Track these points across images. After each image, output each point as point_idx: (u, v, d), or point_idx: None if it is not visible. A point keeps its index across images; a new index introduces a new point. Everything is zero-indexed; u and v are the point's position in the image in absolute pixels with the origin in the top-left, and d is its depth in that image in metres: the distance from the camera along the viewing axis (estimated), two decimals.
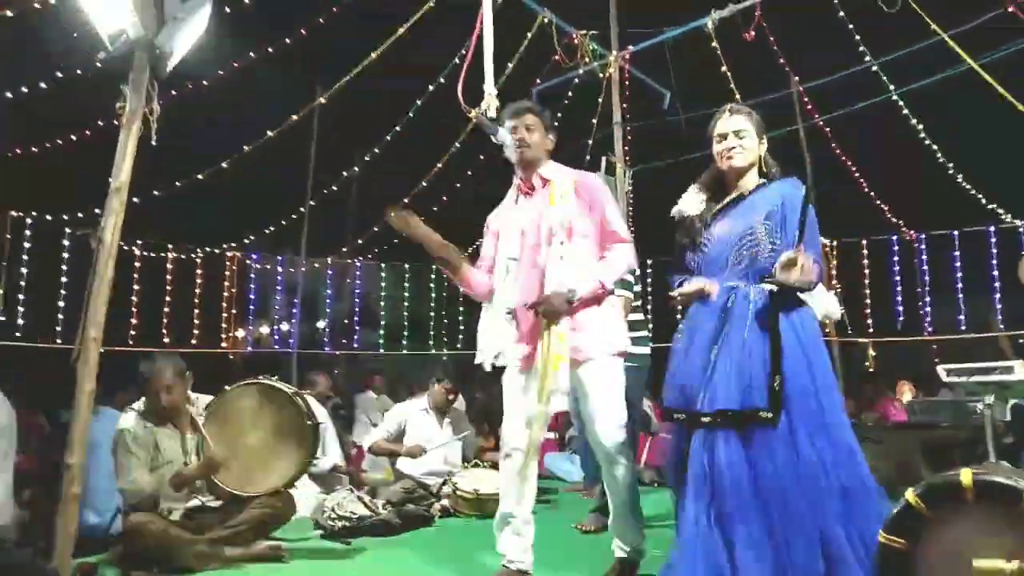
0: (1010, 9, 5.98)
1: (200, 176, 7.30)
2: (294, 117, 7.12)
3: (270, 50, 7.05)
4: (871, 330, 10.89)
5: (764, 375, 2.61)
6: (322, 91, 8.32)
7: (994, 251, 9.95)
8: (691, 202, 3.01)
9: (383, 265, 12.37)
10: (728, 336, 2.71)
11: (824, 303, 4.61)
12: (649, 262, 10.52)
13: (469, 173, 8.96)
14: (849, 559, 2.36)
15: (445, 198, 9.35)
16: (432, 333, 12.55)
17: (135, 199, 4.30)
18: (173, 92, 5.78)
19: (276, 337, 12.67)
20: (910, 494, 2.01)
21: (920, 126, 7.62)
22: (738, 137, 2.89)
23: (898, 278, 10.76)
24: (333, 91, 8.03)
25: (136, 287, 9.44)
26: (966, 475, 1.92)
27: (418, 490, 5.19)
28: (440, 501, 5.20)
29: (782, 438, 2.56)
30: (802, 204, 2.77)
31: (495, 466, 5.43)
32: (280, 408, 3.99)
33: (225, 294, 10.55)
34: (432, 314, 12.36)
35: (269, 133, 7.10)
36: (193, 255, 9.80)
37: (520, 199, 3.41)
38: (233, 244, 10.15)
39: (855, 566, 2.35)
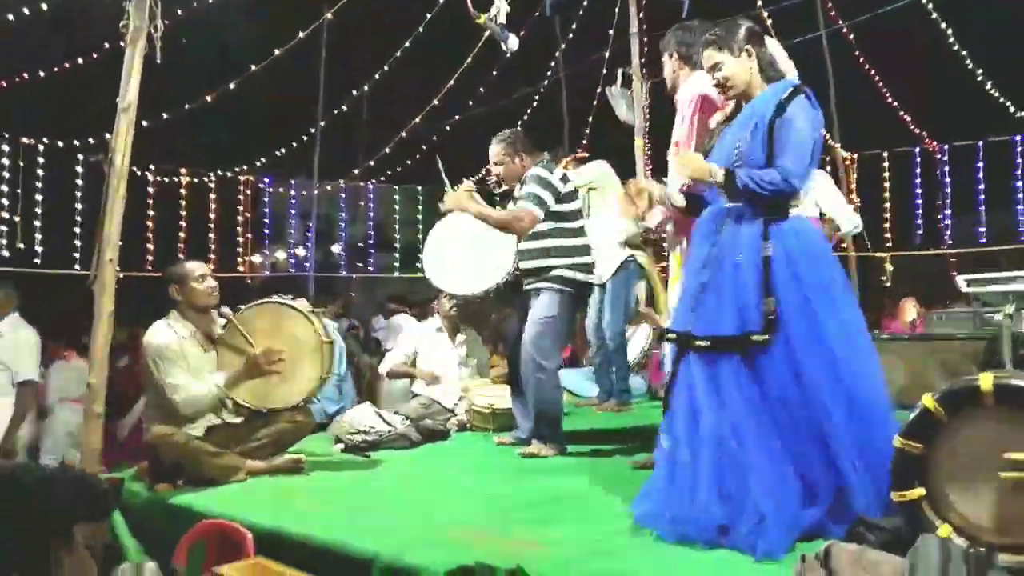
0: None
1: (208, 98, 7.17)
2: (301, 35, 6.91)
3: None
4: (889, 244, 10.77)
5: (757, 297, 2.59)
6: (328, 6, 8.11)
7: (1019, 161, 9.73)
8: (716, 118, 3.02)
9: (396, 188, 12.31)
10: (720, 259, 2.70)
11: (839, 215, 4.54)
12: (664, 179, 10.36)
13: (482, 90, 8.76)
14: (851, 476, 2.40)
15: (458, 116, 9.18)
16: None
17: (144, 122, 4.23)
18: (179, 11, 5.63)
19: (293, 261, 12.71)
20: (927, 399, 2.00)
21: (948, 29, 7.32)
22: (717, 71, 2.82)
23: (919, 191, 10.58)
24: (339, 5, 7.81)
25: (151, 212, 9.45)
26: (986, 379, 1.90)
27: (435, 405, 5.28)
28: (456, 416, 5.29)
29: (780, 359, 2.55)
30: (773, 110, 2.66)
31: (508, 382, 5.53)
32: (295, 326, 4.02)
33: (240, 218, 10.55)
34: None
35: (276, 52, 6.91)
36: (206, 179, 9.75)
37: None
38: (245, 167, 10.07)
39: (857, 483, 2.39)
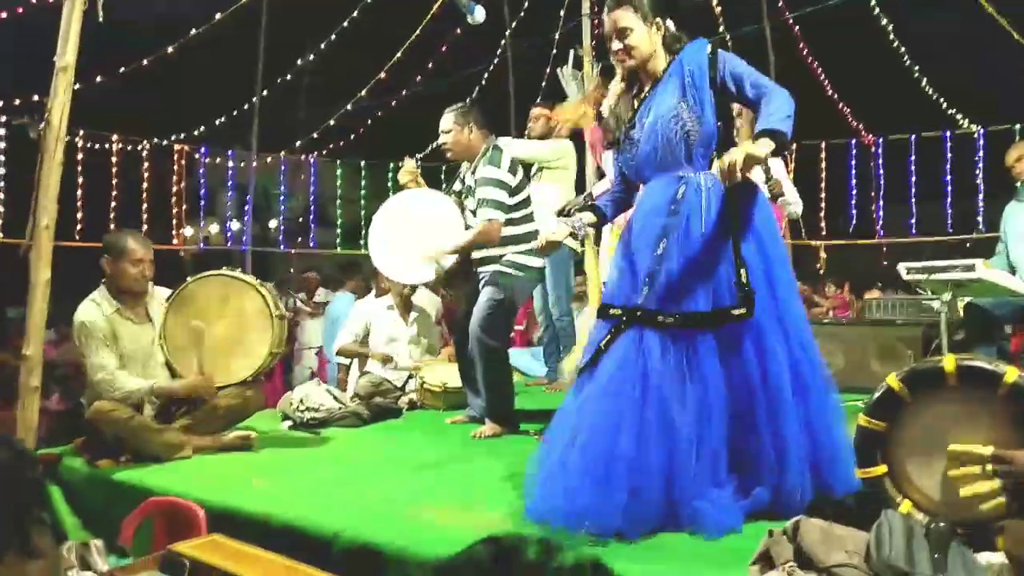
0: None
1: (145, 61, 6.86)
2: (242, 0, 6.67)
3: None
4: (824, 232, 11.09)
5: (730, 269, 2.48)
6: None
7: (949, 156, 10.13)
8: (611, 98, 2.76)
9: (338, 162, 12.05)
10: (686, 228, 2.54)
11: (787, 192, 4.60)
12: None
13: (430, 66, 8.63)
14: (796, 455, 2.41)
15: (405, 92, 9.02)
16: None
17: (77, 85, 4.02)
18: None
19: (229, 234, 12.35)
20: (892, 379, 2.05)
21: (889, 26, 7.54)
22: (623, 37, 2.63)
23: (854, 182, 10.92)
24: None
25: (80, 180, 9.02)
26: (949, 360, 1.96)
27: (384, 383, 5.21)
28: (406, 395, 5.24)
29: (748, 336, 2.47)
30: (707, 63, 2.56)
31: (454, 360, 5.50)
32: (245, 299, 3.91)
33: (174, 189, 10.18)
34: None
35: (219, 16, 6.65)
36: (139, 147, 9.35)
37: None
38: (182, 136, 9.69)
39: (803, 462, 2.41)
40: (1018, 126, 9.40)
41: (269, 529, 2.70)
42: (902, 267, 4.58)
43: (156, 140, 9.39)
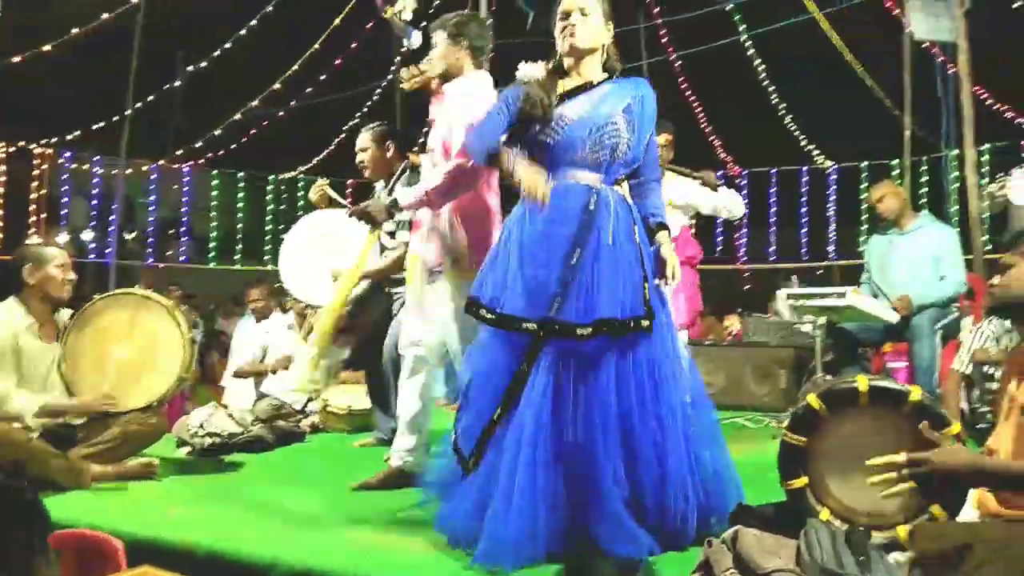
0: None
1: (16, 58, 6.40)
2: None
3: None
4: None
5: (638, 281, 2.51)
6: None
7: (804, 189, 11.08)
8: (537, 70, 2.68)
9: (214, 172, 11.59)
10: (597, 240, 2.52)
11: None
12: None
13: (323, 78, 8.52)
14: (683, 472, 2.47)
15: (294, 103, 8.85)
16: (268, 248, 11.99)
17: None
18: None
19: (93, 246, 11.55)
20: (811, 397, 2.28)
21: (762, 66, 8.17)
22: (583, 14, 2.60)
23: None
24: None
25: None
26: (862, 381, 2.21)
27: (285, 407, 5.09)
28: (307, 418, 5.13)
29: (644, 348, 2.50)
30: (655, 108, 2.71)
31: (358, 382, 5.44)
32: (155, 321, 3.74)
33: (33, 195, 9.45)
34: (269, 227, 11.78)
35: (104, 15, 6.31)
36: None
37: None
38: (44, 141, 9.04)
39: (686, 477, 2.47)
40: (865, 163, 10.44)
41: (195, 559, 2.61)
42: (781, 293, 5.00)
43: (22, 143, 8.69)
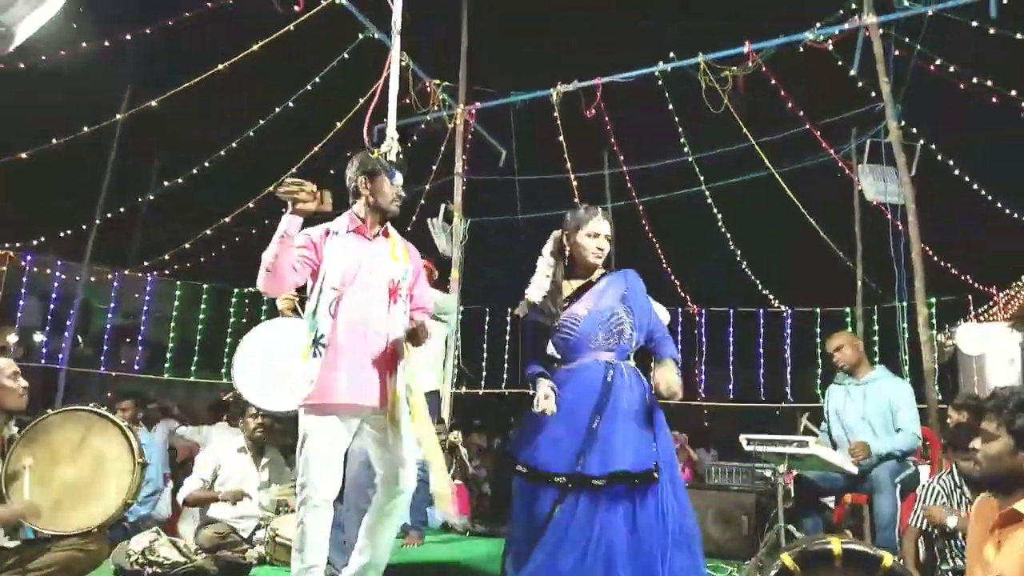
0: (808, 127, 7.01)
1: None
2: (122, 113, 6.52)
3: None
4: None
5: (649, 438, 2.98)
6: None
7: (761, 330, 11.40)
8: (542, 287, 3.29)
9: (178, 283, 11.52)
10: (614, 406, 3.01)
11: None
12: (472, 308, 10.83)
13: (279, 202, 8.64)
14: None
15: (267, 222, 8.92)
16: (226, 360, 11.78)
17: None
18: None
19: (44, 350, 11.22)
20: (786, 557, 2.27)
21: (720, 216, 8.58)
22: (608, 240, 3.30)
23: (680, 346, 11.89)
24: (135, 111, 7.57)
25: None
26: (836, 543, 2.21)
27: (231, 535, 4.85)
28: (254, 547, 4.88)
29: (658, 494, 2.89)
30: (644, 290, 3.30)
31: None
32: (106, 441, 3.60)
33: None
34: (229, 340, 11.61)
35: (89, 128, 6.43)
36: None
37: (353, 236, 3.32)
38: (7, 245, 8.96)
39: None
40: (818, 309, 10.82)
41: None
42: (743, 438, 4.99)
43: None
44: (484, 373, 11.64)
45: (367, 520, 3.33)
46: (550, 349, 3.32)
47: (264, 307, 10.98)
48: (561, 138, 7.94)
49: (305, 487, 3.11)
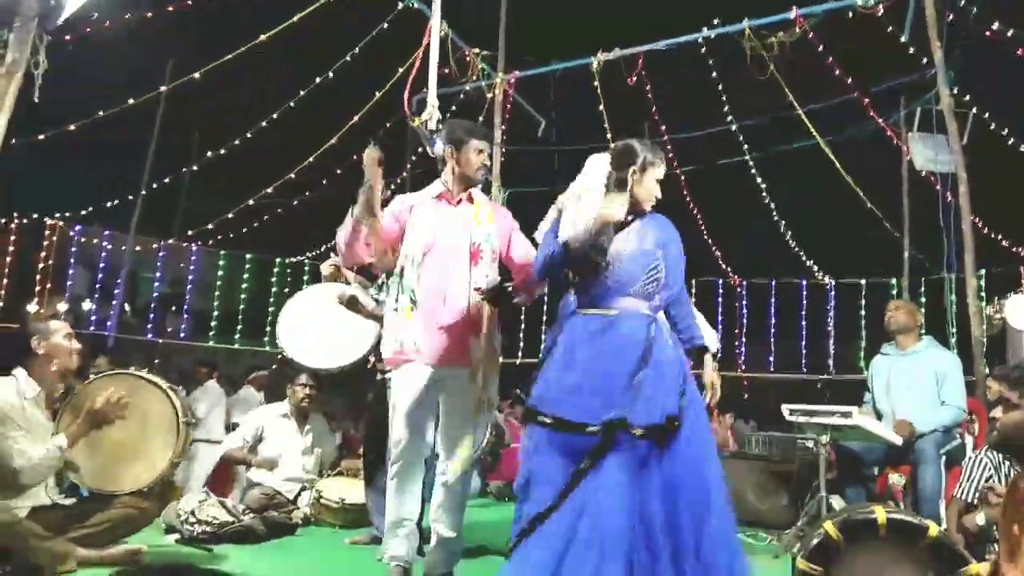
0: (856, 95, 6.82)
1: (42, 136, 6.59)
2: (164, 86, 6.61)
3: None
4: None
5: (677, 392, 2.81)
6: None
7: (804, 302, 11.22)
8: (587, 224, 2.95)
9: (222, 252, 11.72)
10: (654, 362, 2.85)
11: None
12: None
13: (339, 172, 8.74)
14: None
15: (309, 193, 9.04)
16: (269, 329, 11.99)
17: None
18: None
19: (94, 318, 11.52)
20: (829, 525, 2.25)
21: (764, 185, 8.43)
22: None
23: (720, 318, 11.80)
24: (178, 84, 7.65)
25: None
26: (881, 512, 2.19)
27: (278, 496, 4.98)
28: (300, 509, 5.01)
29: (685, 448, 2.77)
30: (680, 245, 3.10)
31: (355, 474, 5.33)
32: (150, 402, 3.70)
33: (41, 266, 9.53)
34: (272, 308, 11.78)
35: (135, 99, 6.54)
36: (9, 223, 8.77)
37: (441, 206, 3.43)
38: (57, 215, 9.19)
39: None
40: (863, 280, 10.61)
41: None
42: (785, 408, 4.95)
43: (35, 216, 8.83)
44: (521, 344, 11.66)
45: (435, 494, 3.37)
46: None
47: (307, 276, 11.14)
48: (601, 107, 7.86)
49: (398, 444, 3.25)
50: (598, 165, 3.03)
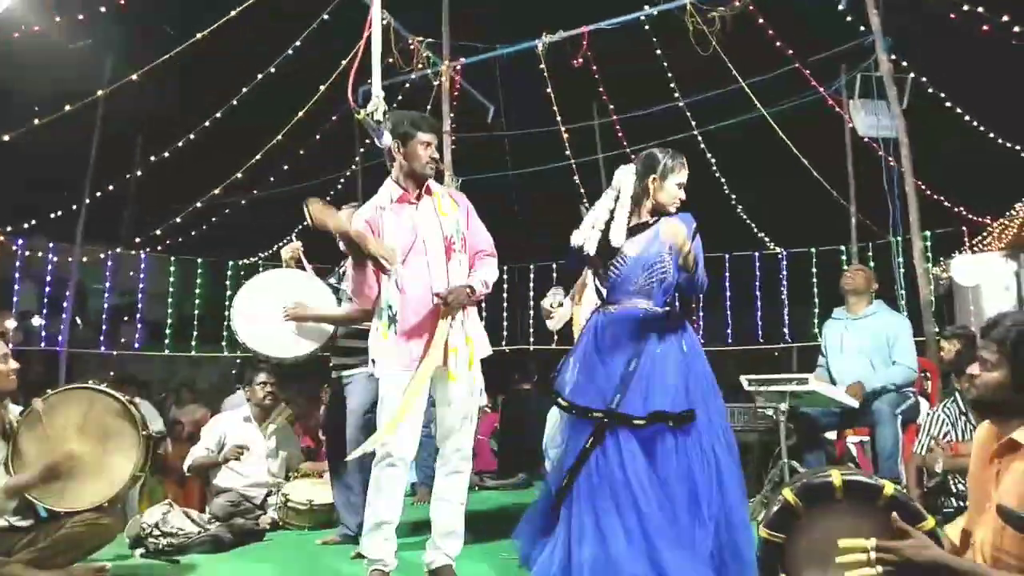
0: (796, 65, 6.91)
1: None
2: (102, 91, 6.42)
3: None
4: None
5: (682, 381, 3.09)
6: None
7: (758, 274, 11.40)
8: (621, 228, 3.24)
9: (172, 259, 11.46)
10: (651, 351, 3.13)
11: None
12: None
13: (285, 167, 8.61)
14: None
15: (256, 192, 8.89)
16: (226, 335, 11.76)
17: None
18: None
19: (43, 333, 11.17)
20: (788, 492, 2.28)
21: (713, 160, 8.52)
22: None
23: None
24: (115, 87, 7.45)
25: None
26: (837, 476, 2.23)
27: (243, 503, 4.91)
28: (267, 513, 4.95)
29: (694, 435, 3.05)
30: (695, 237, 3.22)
31: (320, 475, 5.27)
32: (109, 416, 3.61)
33: None
34: (227, 312, 11.57)
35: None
36: None
37: (399, 207, 3.36)
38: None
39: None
40: (814, 249, 10.83)
41: None
42: (743, 379, 5.04)
43: None
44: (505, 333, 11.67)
45: (436, 484, 3.43)
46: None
47: None
48: (549, 90, 7.84)
49: (384, 445, 3.22)
50: (624, 176, 3.30)
